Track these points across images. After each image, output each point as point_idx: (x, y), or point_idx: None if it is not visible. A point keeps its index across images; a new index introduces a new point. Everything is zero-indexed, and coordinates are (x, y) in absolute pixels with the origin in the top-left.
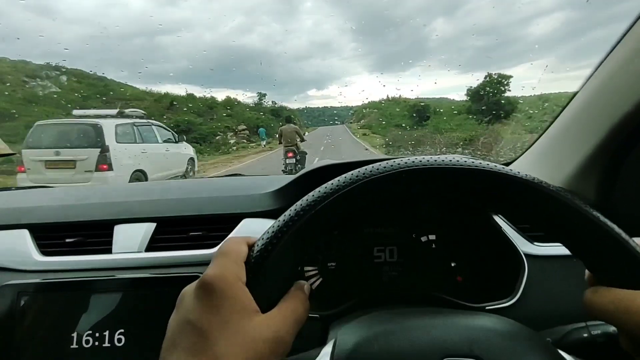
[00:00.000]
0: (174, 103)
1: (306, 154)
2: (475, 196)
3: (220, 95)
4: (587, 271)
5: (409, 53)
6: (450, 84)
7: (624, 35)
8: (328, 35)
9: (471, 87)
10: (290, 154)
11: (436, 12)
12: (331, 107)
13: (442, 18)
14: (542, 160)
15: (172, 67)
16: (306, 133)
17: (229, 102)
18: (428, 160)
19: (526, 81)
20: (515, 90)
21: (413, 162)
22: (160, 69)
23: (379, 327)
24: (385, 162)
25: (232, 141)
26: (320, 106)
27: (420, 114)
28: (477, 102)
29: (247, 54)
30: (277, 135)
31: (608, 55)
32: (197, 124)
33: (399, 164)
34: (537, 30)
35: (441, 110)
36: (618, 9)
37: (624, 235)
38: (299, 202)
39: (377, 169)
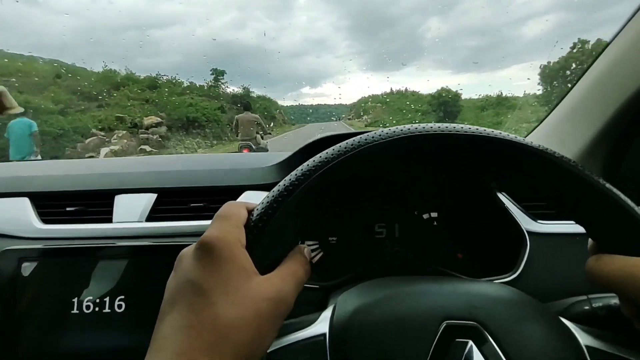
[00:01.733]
0: (60, 76)
1: (267, 152)
2: (485, 167)
3: None
4: (589, 240)
5: (402, 52)
6: (443, 84)
7: (635, 13)
8: (322, 33)
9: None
10: (246, 150)
11: (431, 11)
12: (325, 104)
13: (436, 18)
14: (551, 137)
15: (163, 62)
16: (286, 133)
17: (167, 84)
18: (432, 127)
19: (519, 82)
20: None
21: (416, 128)
22: (151, 64)
23: (379, 293)
24: (394, 127)
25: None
26: (314, 104)
27: (448, 107)
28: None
29: (241, 50)
30: (233, 126)
31: (619, 32)
32: (62, 111)
33: (401, 130)
34: (530, 32)
35: (463, 106)
36: (610, 12)
37: (629, 202)
38: (299, 167)
39: (383, 134)
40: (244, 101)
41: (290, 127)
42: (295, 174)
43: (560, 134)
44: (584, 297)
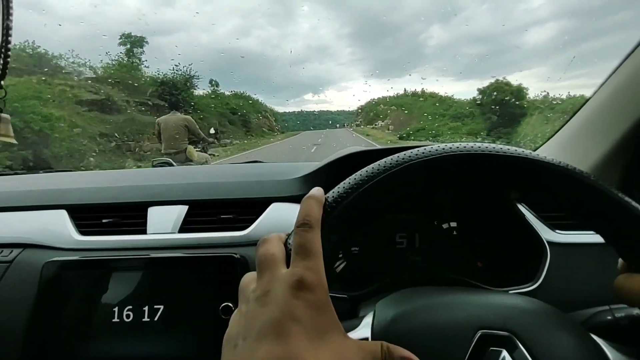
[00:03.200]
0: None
1: (295, 162)
2: (514, 184)
3: None
4: (620, 259)
5: (404, 59)
6: (446, 91)
7: None
8: (325, 40)
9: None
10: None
11: (433, 19)
12: (327, 111)
13: (439, 25)
14: (565, 149)
15: (166, 68)
16: (264, 146)
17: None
18: (479, 147)
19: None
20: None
21: (465, 147)
22: (155, 70)
23: (417, 302)
24: (436, 145)
25: None
26: (316, 110)
27: (507, 108)
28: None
29: (244, 57)
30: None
31: (637, 46)
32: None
33: (450, 148)
34: (531, 39)
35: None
36: (613, 20)
37: None
38: (346, 181)
39: (436, 150)
40: (171, 97)
41: (273, 137)
42: (339, 191)
43: (576, 146)
44: (606, 308)
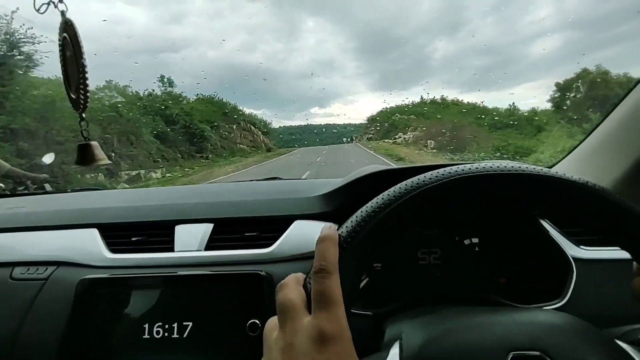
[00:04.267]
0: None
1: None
2: (533, 201)
3: None
4: (634, 263)
5: (410, 72)
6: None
7: None
8: (330, 54)
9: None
10: None
11: (438, 32)
12: (334, 124)
13: (444, 38)
14: (586, 164)
15: (176, 84)
16: (245, 168)
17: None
18: (505, 166)
19: (528, 100)
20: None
21: (491, 167)
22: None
23: (443, 325)
24: (463, 165)
25: None
26: (323, 123)
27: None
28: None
29: (251, 71)
30: None
31: None
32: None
33: (477, 168)
34: (537, 51)
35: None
36: (618, 31)
37: None
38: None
39: (463, 169)
40: None
41: (254, 155)
42: (353, 223)
43: (596, 162)
44: (639, 326)
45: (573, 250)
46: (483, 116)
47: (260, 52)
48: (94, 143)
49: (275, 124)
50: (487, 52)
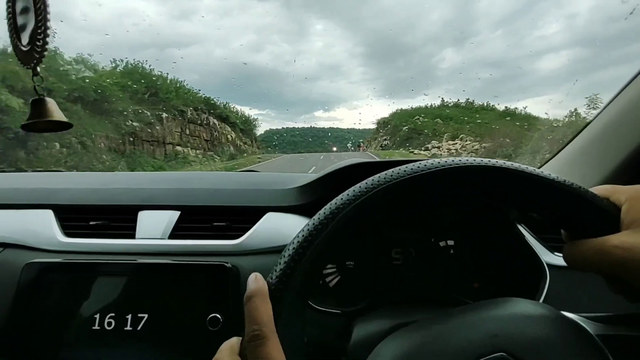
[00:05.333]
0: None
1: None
2: (503, 195)
3: None
4: (562, 231)
5: (416, 81)
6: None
7: None
8: (337, 59)
9: None
10: None
11: (445, 42)
12: (337, 128)
13: (451, 48)
14: (572, 165)
15: (180, 79)
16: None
17: None
18: (474, 160)
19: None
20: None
21: (461, 161)
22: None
23: (407, 343)
24: (432, 160)
25: None
26: (326, 127)
27: None
28: None
29: (257, 72)
30: None
31: None
32: None
33: (446, 161)
34: (545, 66)
35: None
36: (627, 50)
37: (582, 188)
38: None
39: (425, 165)
40: None
41: (258, 156)
42: (280, 268)
43: (577, 167)
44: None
45: (547, 257)
46: (526, 124)
47: (267, 53)
48: (49, 99)
49: (279, 125)
50: (494, 65)
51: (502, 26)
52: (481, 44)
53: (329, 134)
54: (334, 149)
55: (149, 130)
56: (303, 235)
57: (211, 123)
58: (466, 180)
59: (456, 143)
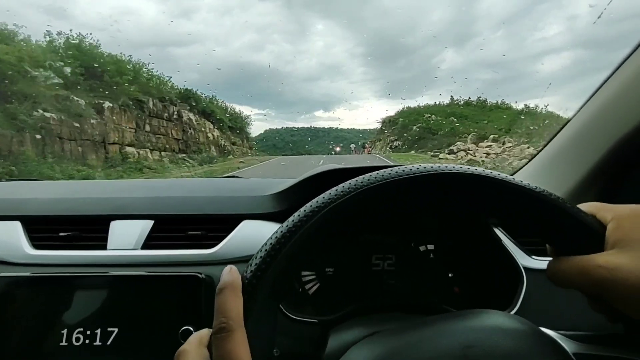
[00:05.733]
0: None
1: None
2: (482, 206)
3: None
4: (547, 246)
5: (417, 81)
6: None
7: (627, 57)
8: (338, 59)
9: None
10: None
11: (446, 43)
12: (337, 128)
13: (452, 49)
14: (545, 172)
15: (181, 79)
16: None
17: None
18: (446, 167)
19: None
20: None
21: (432, 167)
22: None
23: (380, 349)
24: (399, 167)
25: None
26: (326, 126)
27: None
28: None
29: (257, 71)
30: None
31: (612, 73)
32: None
33: (417, 168)
34: (546, 68)
35: None
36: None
37: (568, 204)
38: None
39: (390, 174)
40: None
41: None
42: (256, 262)
43: (552, 172)
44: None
45: (524, 260)
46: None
47: (268, 52)
48: None
49: (279, 124)
50: (494, 66)
51: (503, 27)
52: (481, 46)
53: (329, 134)
54: (337, 149)
55: (77, 124)
56: (281, 232)
57: (185, 118)
58: (446, 187)
59: (491, 145)
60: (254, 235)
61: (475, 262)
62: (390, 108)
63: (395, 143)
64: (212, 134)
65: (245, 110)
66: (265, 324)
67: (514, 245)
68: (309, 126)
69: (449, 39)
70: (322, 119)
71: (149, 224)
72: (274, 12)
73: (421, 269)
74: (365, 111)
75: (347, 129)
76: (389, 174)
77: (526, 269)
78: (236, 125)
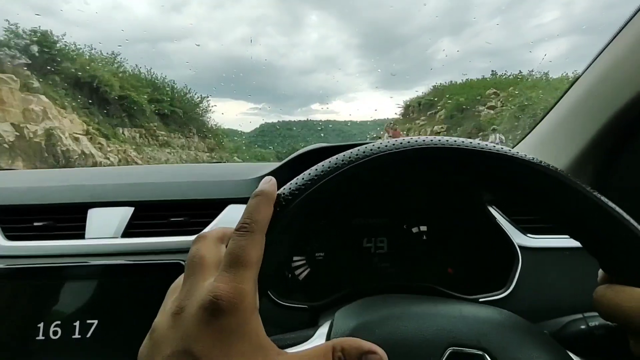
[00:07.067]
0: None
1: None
2: (483, 181)
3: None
4: (600, 271)
5: (413, 72)
6: None
7: (624, 26)
8: (333, 51)
9: None
10: None
11: (442, 32)
12: (334, 120)
13: (448, 38)
14: (539, 148)
15: (174, 75)
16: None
17: None
18: (439, 140)
19: None
20: None
21: (424, 141)
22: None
23: (382, 311)
24: (394, 140)
25: None
26: (323, 119)
27: None
28: None
29: (252, 65)
30: None
31: (609, 43)
32: None
33: (408, 142)
34: (542, 55)
35: None
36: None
37: (634, 222)
38: (303, 175)
39: (386, 146)
40: None
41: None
42: (296, 183)
43: (551, 144)
44: (580, 316)
45: (520, 239)
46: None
47: (262, 46)
48: None
49: (275, 118)
50: (491, 54)
51: (499, 15)
52: (477, 34)
53: (327, 127)
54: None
55: None
56: (322, 166)
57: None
58: (461, 162)
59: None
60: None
61: (470, 242)
62: (387, 99)
63: (440, 130)
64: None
65: (241, 105)
66: (285, 243)
67: (508, 223)
68: (306, 119)
69: (445, 28)
70: (319, 112)
71: (129, 211)
72: (266, 4)
73: (414, 250)
74: (363, 103)
75: (344, 121)
76: (389, 145)
77: (521, 247)
78: (184, 114)
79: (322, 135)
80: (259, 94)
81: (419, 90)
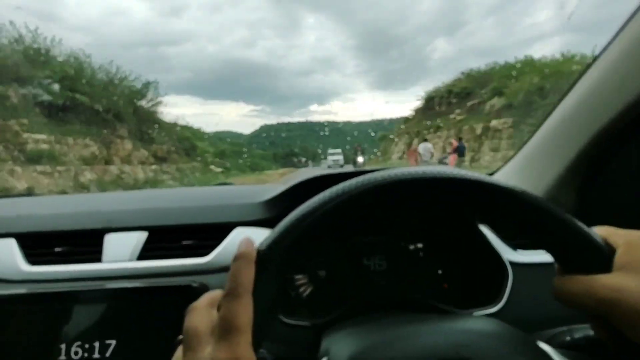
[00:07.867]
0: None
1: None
2: (466, 206)
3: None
4: (555, 264)
5: (409, 72)
6: None
7: (603, 51)
8: (330, 52)
9: None
10: None
11: (437, 32)
12: (333, 121)
13: (443, 39)
14: (525, 170)
15: (174, 78)
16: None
17: None
18: (424, 172)
19: None
20: None
21: (409, 172)
22: (162, 79)
23: (371, 338)
24: (380, 172)
25: None
26: (321, 120)
27: None
28: None
29: (250, 67)
30: None
31: (589, 67)
32: None
33: (395, 174)
34: (536, 53)
35: None
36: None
37: (581, 225)
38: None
39: (369, 180)
40: None
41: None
42: (273, 238)
43: (533, 167)
44: (565, 329)
45: (509, 254)
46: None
47: (260, 48)
48: None
49: (274, 120)
50: (486, 53)
51: (493, 14)
52: (472, 34)
53: (324, 128)
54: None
55: None
56: (297, 213)
57: None
58: (448, 191)
59: None
60: None
61: (463, 259)
62: (385, 99)
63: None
64: None
65: (240, 107)
66: (272, 288)
67: (498, 240)
68: (305, 120)
69: (440, 28)
70: (317, 113)
71: (143, 235)
72: (263, 7)
73: (411, 267)
74: (361, 103)
75: (343, 122)
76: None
77: (512, 263)
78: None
79: (321, 134)
80: (258, 96)
81: (416, 89)
